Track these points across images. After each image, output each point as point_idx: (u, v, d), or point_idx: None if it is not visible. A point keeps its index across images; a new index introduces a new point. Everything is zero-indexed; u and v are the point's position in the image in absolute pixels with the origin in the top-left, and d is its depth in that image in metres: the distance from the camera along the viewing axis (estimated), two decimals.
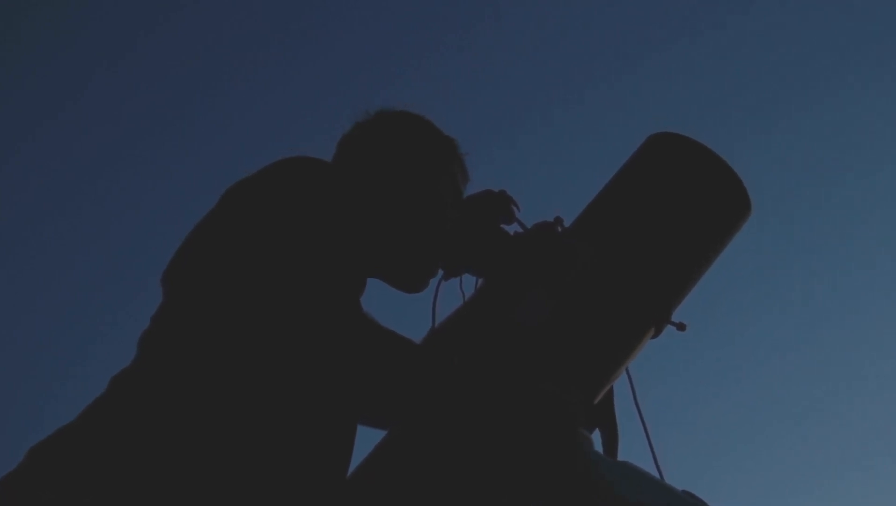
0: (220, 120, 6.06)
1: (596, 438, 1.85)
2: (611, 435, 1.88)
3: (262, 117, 6.01)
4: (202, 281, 1.66)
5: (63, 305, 5.93)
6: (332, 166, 1.85)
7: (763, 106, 5.87)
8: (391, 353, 1.62)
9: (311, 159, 1.76)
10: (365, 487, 1.75)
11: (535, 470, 1.65)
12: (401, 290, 2.00)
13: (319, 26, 6.04)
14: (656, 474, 1.85)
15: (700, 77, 5.87)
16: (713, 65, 5.88)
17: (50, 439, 1.61)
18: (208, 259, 1.67)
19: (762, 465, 5.66)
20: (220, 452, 1.57)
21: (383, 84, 5.50)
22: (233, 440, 1.58)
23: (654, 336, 1.92)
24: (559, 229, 1.95)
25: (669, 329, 1.93)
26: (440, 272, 2.01)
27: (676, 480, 1.77)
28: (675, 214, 1.92)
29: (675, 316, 1.92)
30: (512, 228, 2.00)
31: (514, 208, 2.01)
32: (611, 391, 1.91)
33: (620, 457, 1.87)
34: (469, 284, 2.02)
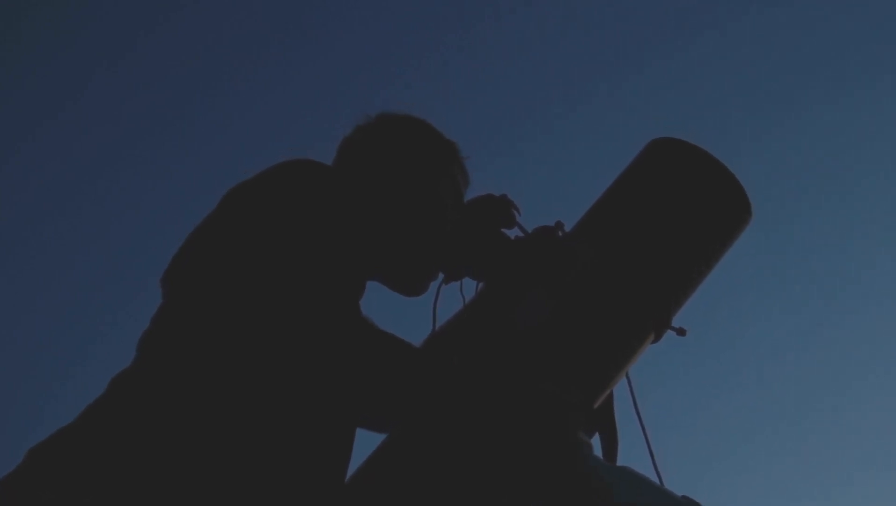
0: (221, 120, 6.07)
1: (595, 443, 1.85)
2: (610, 440, 1.88)
3: (263, 117, 6.01)
4: (202, 283, 1.66)
5: (63, 305, 5.93)
6: (333, 169, 1.85)
7: (764, 110, 5.87)
8: (389, 355, 1.62)
9: (312, 162, 1.77)
10: (365, 487, 1.75)
11: (536, 470, 1.65)
12: (401, 293, 2.00)
13: (319, 26, 6.05)
14: (656, 480, 1.85)
15: (701, 81, 5.88)
16: (714, 69, 5.88)
17: (50, 439, 1.61)
18: (209, 261, 1.67)
19: (761, 470, 5.66)
20: (220, 453, 1.57)
21: (384, 85, 5.51)
22: (232, 442, 1.58)
23: (654, 341, 1.92)
24: (560, 234, 1.95)
25: (669, 334, 1.93)
26: (440, 276, 2.02)
27: (676, 485, 1.77)
28: (676, 219, 1.92)
29: (676, 321, 1.93)
30: (513, 233, 2.00)
31: (515, 212, 2.01)
32: (611, 396, 1.91)
33: (620, 462, 1.88)
34: (469, 287, 2.02)
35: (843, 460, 5.77)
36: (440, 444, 1.71)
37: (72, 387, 5.40)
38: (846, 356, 5.83)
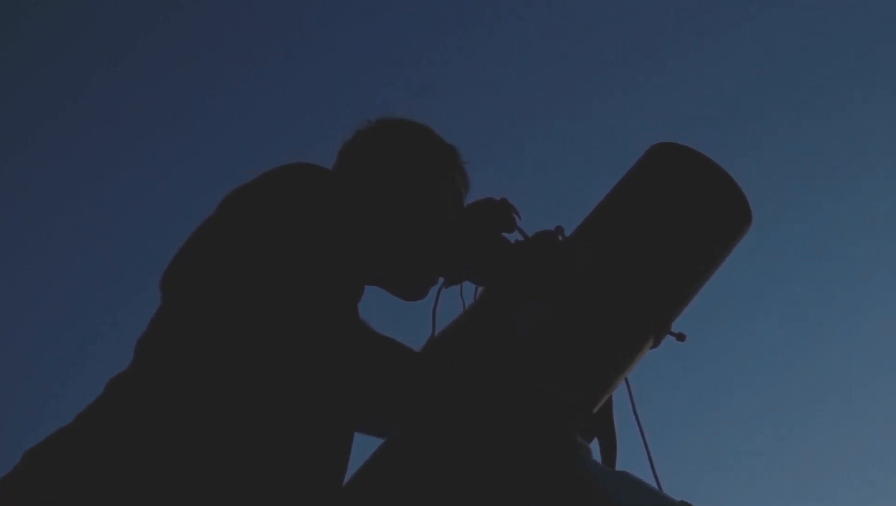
0: (221, 120, 6.07)
1: (594, 447, 1.85)
2: (609, 445, 1.88)
3: (263, 118, 6.01)
4: (201, 287, 1.66)
5: (63, 305, 5.93)
6: (333, 173, 1.85)
7: (765, 114, 5.88)
8: (387, 358, 1.62)
9: (311, 166, 1.77)
10: (366, 487, 1.75)
11: (536, 470, 1.65)
12: (401, 297, 2.00)
13: (319, 26, 6.05)
14: (654, 485, 1.85)
15: (702, 85, 5.88)
16: (715, 73, 5.89)
17: (46, 441, 1.61)
18: (208, 265, 1.67)
19: (760, 476, 5.66)
20: (218, 456, 1.57)
21: (384, 85, 5.51)
22: (230, 444, 1.59)
23: (654, 346, 1.92)
24: (560, 238, 1.95)
25: (669, 339, 1.93)
26: (440, 280, 2.02)
27: (674, 490, 1.77)
28: (676, 224, 1.92)
29: (675, 326, 1.93)
30: (513, 237, 2.00)
31: (515, 216, 2.01)
32: (610, 401, 1.92)
33: (618, 467, 1.88)
34: (469, 291, 2.02)
35: (841, 466, 5.77)
36: (440, 444, 1.71)
37: (71, 387, 5.40)
38: (845, 362, 5.84)
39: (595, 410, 1.86)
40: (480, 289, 2.01)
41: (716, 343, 5.55)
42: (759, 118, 5.85)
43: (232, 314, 1.61)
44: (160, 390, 1.61)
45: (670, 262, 1.90)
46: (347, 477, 1.76)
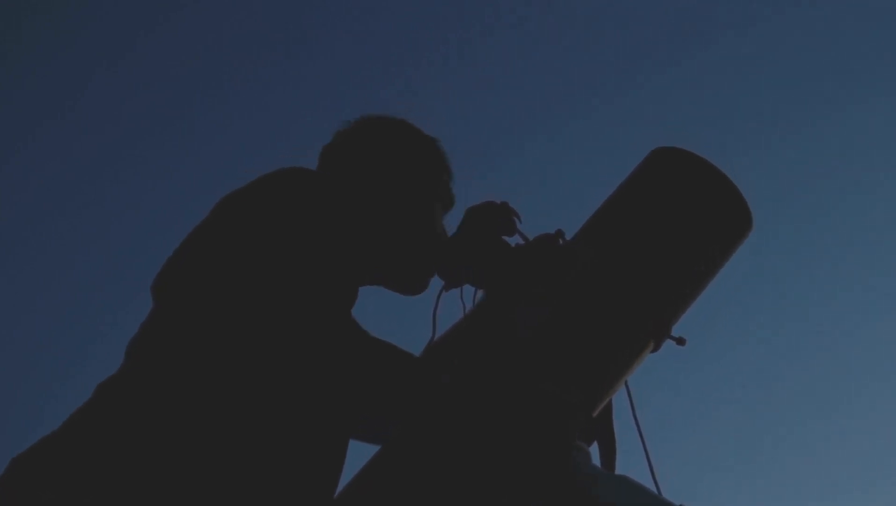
0: (220, 120, 6.07)
1: (594, 451, 1.85)
2: (609, 449, 1.88)
3: (263, 118, 6.01)
4: (195, 291, 1.66)
5: (63, 305, 5.93)
6: (324, 176, 1.86)
7: (765, 119, 5.88)
8: (381, 359, 1.63)
9: (303, 170, 1.78)
10: (366, 488, 1.75)
11: (536, 470, 1.65)
12: (401, 292, 2.01)
13: (319, 27, 6.05)
14: (653, 489, 1.85)
15: (704, 88, 5.88)
16: (717, 76, 5.89)
17: (33, 448, 1.61)
18: (201, 269, 1.67)
19: (760, 480, 5.66)
20: (212, 459, 1.58)
21: (384, 86, 5.51)
22: (223, 447, 1.59)
23: (654, 350, 1.92)
24: (560, 242, 1.95)
25: (668, 344, 1.93)
26: (441, 283, 2.02)
27: (673, 494, 1.77)
28: (676, 228, 1.92)
29: (675, 330, 1.93)
30: (513, 241, 2.00)
31: (516, 220, 2.01)
32: (609, 405, 1.91)
33: (618, 471, 1.87)
34: (469, 294, 2.02)
35: (841, 471, 5.77)
36: (440, 444, 1.71)
37: (71, 387, 5.40)
38: (845, 366, 5.84)
39: (595, 414, 1.86)
40: (480, 293, 2.01)
41: (716, 347, 5.56)
42: (759, 121, 5.85)
43: (225, 319, 1.62)
44: (155, 393, 1.61)
45: (670, 266, 1.90)
46: (348, 478, 1.76)
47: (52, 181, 5.96)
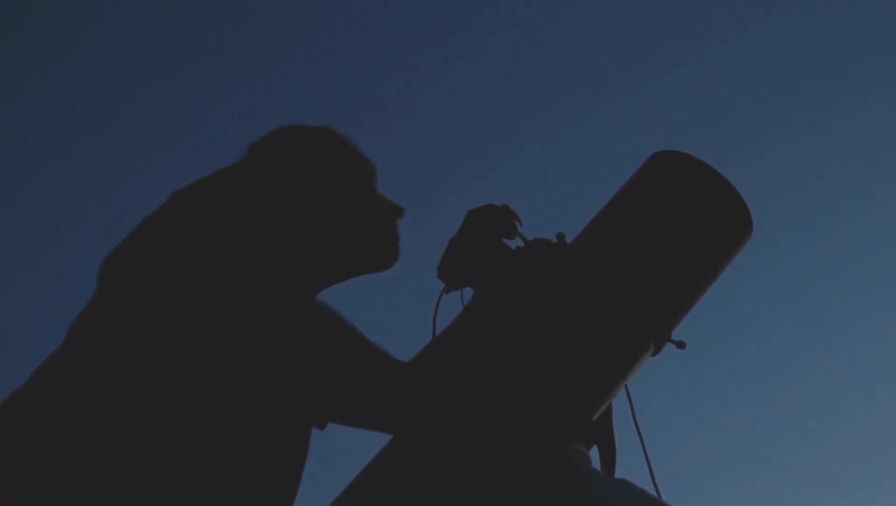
0: (220, 120, 6.07)
1: (594, 455, 1.85)
2: (609, 452, 1.88)
3: (263, 118, 6.00)
4: (142, 281, 1.68)
5: (63, 305, 5.92)
6: (264, 174, 1.86)
7: (765, 122, 5.88)
8: (353, 355, 1.64)
9: (245, 167, 1.82)
10: (366, 488, 1.75)
11: (536, 470, 1.65)
12: (377, 268, 1.98)
13: (319, 27, 6.05)
14: (653, 492, 1.85)
15: (705, 90, 5.88)
16: (717, 78, 5.89)
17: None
18: (149, 261, 1.69)
19: (760, 483, 5.65)
20: (160, 455, 1.58)
21: (383, 86, 5.51)
22: (174, 443, 1.59)
23: (654, 354, 1.92)
24: (560, 244, 1.95)
25: (669, 347, 1.93)
26: (441, 286, 2.01)
27: (673, 498, 1.77)
28: (677, 232, 1.92)
29: (676, 334, 1.93)
30: (514, 244, 2.00)
31: (517, 223, 2.01)
32: (609, 408, 1.91)
33: (618, 474, 1.87)
34: (469, 297, 2.02)
35: (841, 474, 5.77)
36: (440, 444, 1.72)
37: None
38: (845, 369, 5.84)
39: (595, 417, 1.86)
40: (474, 292, 2.01)
41: (716, 351, 5.56)
42: (760, 122, 5.86)
43: (170, 310, 1.64)
44: (100, 384, 1.61)
45: (671, 269, 1.91)
46: (350, 477, 1.77)
47: (52, 181, 5.97)
